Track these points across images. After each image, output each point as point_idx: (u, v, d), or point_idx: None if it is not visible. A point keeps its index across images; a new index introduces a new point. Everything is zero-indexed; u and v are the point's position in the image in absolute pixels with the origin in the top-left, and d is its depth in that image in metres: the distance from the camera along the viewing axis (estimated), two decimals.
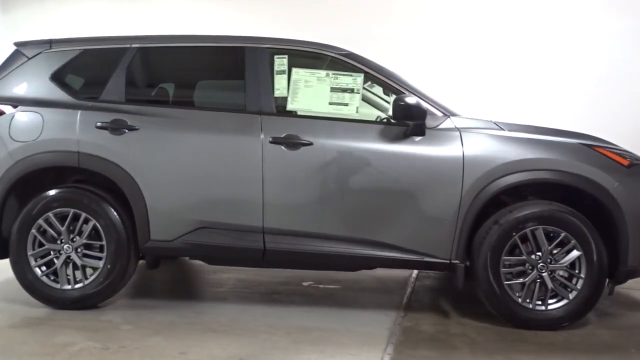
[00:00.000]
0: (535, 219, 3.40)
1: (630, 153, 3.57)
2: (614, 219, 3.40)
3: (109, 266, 3.58)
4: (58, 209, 3.60)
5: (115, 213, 3.58)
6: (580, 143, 3.50)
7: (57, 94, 3.72)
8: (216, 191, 3.54)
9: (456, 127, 3.51)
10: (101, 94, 3.71)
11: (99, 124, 3.59)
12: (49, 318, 3.48)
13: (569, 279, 3.43)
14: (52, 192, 3.62)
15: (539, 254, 3.41)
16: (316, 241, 3.52)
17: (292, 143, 3.49)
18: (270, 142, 3.50)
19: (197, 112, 3.68)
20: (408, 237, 3.47)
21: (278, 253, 3.54)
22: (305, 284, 4.47)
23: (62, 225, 3.59)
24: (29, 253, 3.62)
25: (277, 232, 3.53)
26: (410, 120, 3.41)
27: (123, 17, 6.76)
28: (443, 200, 3.43)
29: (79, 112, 3.63)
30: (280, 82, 3.66)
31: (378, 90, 4.00)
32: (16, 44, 3.97)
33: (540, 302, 3.43)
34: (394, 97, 3.58)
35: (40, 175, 3.72)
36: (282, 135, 3.51)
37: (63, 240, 3.61)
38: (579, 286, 3.40)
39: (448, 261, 3.46)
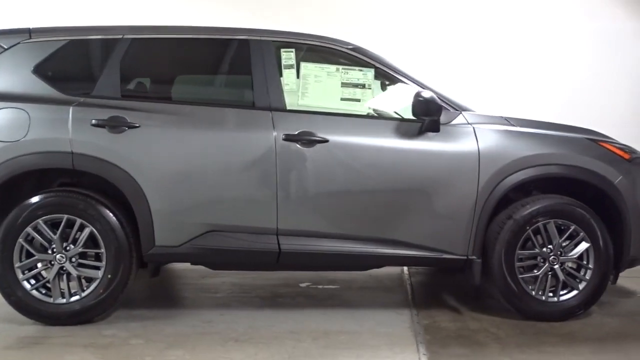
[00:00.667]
0: (548, 213, 3.46)
1: (629, 147, 3.71)
2: (619, 211, 3.52)
3: (109, 276, 3.29)
4: (49, 215, 3.27)
5: (114, 218, 3.30)
6: (587, 138, 3.60)
7: (43, 88, 3.38)
8: (227, 192, 3.34)
9: (469, 123, 3.51)
10: (93, 88, 3.41)
11: (94, 121, 3.29)
12: (46, 336, 3.16)
13: (577, 270, 3.52)
14: (40, 197, 3.28)
15: (550, 247, 3.48)
16: (332, 241, 3.41)
17: (307, 140, 3.35)
18: (284, 140, 3.35)
19: (202, 108, 3.43)
20: (425, 234, 3.43)
21: (294, 255, 3.40)
22: (303, 285, 4.35)
23: (54, 233, 3.27)
24: (15, 265, 3.27)
25: (292, 233, 3.39)
26: (427, 116, 3.36)
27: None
28: (460, 197, 3.42)
29: (71, 108, 3.31)
30: (289, 77, 3.51)
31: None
32: None
33: (551, 294, 3.51)
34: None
35: (19, 179, 3.36)
36: (296, 132, 3.36)
37: (55, 250, 3.28)
38: (587, 277, 3.50)
39: (465, 257, 3.46)
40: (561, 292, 3.51)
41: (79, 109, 3.31)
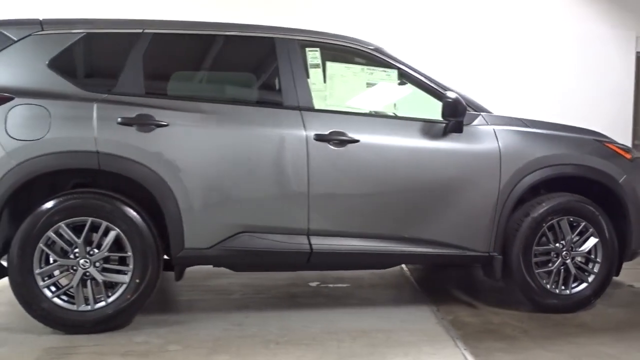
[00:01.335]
0: (562, 210, 3.64)
1: (629, 147, 3.97)
2: (624, 208, 3.75)
3: (137, 280, 3.16)
4: (72, 218, 3.10)
5: (141, 220, 3.17)
6: (594, 139, 3.81)
7: (61, 83, 3.19)
8: (258, 192, 3.28)
9: (489, 124, 3.62)
10: (115, 85, 3.25)
11: (120, 119, 3.14)
12: (73, 345, 2.99)
13: (586, 263, 3.73)
14: (62, 199, 3.10)
15: (563, 242, 3.66)
16: (361, 240, 3.43)
17: (338, 140, 3.35)
18: (315, 139, 3.33)
19: (232, 107, 3.34)
20: (451, 232, 3.52)
21: (325, 255, 3.39)
22: (313, 284, 4.35)
23: (78, 237, 3.10)
24: (35, 272, 3.08)
25: (323, 233, 3.38)
26: (455, 117, 3.44)
27: None
28: (483, 195, 3.53)
29: (95, 105, 3.14)
30: (315, 76, 3.50)
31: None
32: None
33: (564, 287, 3.69)
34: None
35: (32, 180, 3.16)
36: (327, 132, 3.35)
37: (78, 254, 3.11)
38: (595, 270, 3.72)
39: (487, 254, 3.58)
40: (572, 285, 3.70)
41: (103, 106, 3.15)
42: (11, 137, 3.03)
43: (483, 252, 3.57)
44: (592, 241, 3.71)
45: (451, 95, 3.43)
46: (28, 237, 3.05)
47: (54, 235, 3.09)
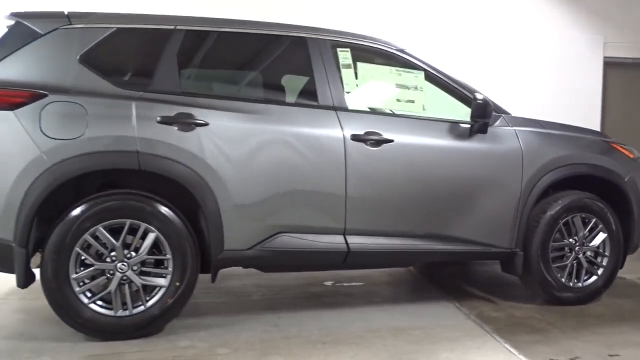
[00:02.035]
0: (576, 207, 3.83)
1: (630, 147, 4.21)
2: (629, 205, 3.99)
3: (177, 283, 3.08)
4: (110, 221, 2.98)
5: (180, 221, 3.09)
6: (602, 140, 4.03)
7: (94, 80, 3.06)
8: (298, 192, 3.27)
9: (510, 125, 3.76)
10: (149, 83, 3.15)
11: (160, 118, 3.05)
12: (115, 352, 2.88)
13: (595, 257, 3.94)
14: (98, 200, 2.98)
15: (576, 238, 3.86)
16: (394, 239, 3.48)
17: (374, 140, 3.39)
18: (352, 139, 3.35)
19: (270, 106, 3.31)
20: (478, 229, 3.62)
21: (361, 254, 3.42)
22: (327, 283, 4.36)
23: (116, 240, 2.99)
24: (72, 277, 2.94)
25: (359, 232, 3.41)
26: (483, 118, 3.55)
27: None
28: (507, 194, 3.66)
29: (134, 103, 3.03)
30: (347, 77, 3.51)
31: None
32: (16, 14, 3.15)
33: (576, 281, 3.89)
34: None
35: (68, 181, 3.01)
36: (362, 132, 3.38)
37: (116, 258, 3.00)
38: (604, 263, 3.93)
39: (510, 250, 3.71)
40: (584, 278, 3.90)
41: (142, 105, 3.05)
42: (46, 136, 2.89)
43: (506, 249, 3.70)
44: (601, 236, 3.92)
45: (480, 97, 3.53)
46: (64, 241, 2.91)
47: (90, 238, 2.96)
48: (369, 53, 3.65)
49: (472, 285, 4.43)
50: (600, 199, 3.92)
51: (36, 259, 3.05)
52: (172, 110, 3.08)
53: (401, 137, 3.46)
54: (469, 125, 3.62)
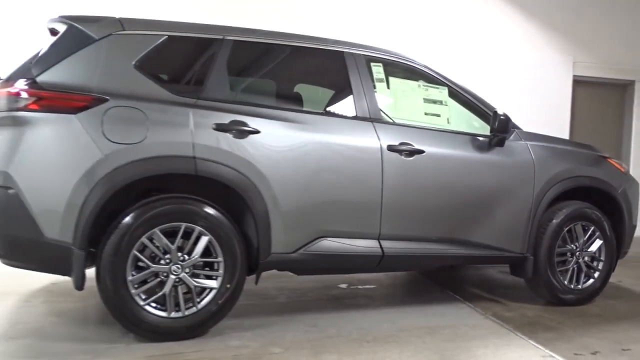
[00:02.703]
0: (577, 216, 4.19)
1: (621, 162, 4.62)
2: (621, 214, 4.39)
3: (228, 285, 3.19)
4: (166, 224, 3.06)
5: (231, 225, 3.21)
6: (599, 155, 4.41)
7: (150, 86, 3.13)
8: (339, 199, 3.44)
9: (523, 139, 4.07)
10: (202, 90, 3.25)
11: (215, 125, 3.16)
12: (172, 353, 2.96)
13: (592, 262, 4.31)
14: (157, 204, 3.05)
15: (576, 244, 4.21)
16: (424, 244, 3.71)
17: (408, 151, 3.61)
18: (388, 150, 3.56)
19: (314, 116, 3.47)
20: (495, 235, 3.91)
21: (395, 258, 3.62)
22: (342, 286, 4.54)
23: (171, 243, 3.07)
24: (128, 279, 3.00)
25: (392, 238, 3.61)
26: (504, 132, 3.85)
27: None
28: (521, 202, 3.97)
29: (191, 110, 3.13)
30: (381, 90, 3.72)
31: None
32: (68, 18, 3.18)
33: (576, 283, 4.24)
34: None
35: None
36: (397, 143, 3.60)
37: (171, 260, 3.08)
38: (600, 267, 4.31)
39: (522, 255, 4.02)
40: (583, 281, 4.27)
41: (198, 112, 3.15)
42: (109, 140, 2.94)
43: (519, 253, 4.00)
44: (598, 243, 4.29)
45: (501, 112, 3.82)
46: (121, 243, 2.97)
47: (147, 241, 3.03)
48: (398, 68, 3.88)
49: (475, 287, 4.71)
50: (598, 209, 4.30)
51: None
52: (226, 118, 3.19)
53: (431, 149, 3.70)
54: (486, 139, 3.90)
